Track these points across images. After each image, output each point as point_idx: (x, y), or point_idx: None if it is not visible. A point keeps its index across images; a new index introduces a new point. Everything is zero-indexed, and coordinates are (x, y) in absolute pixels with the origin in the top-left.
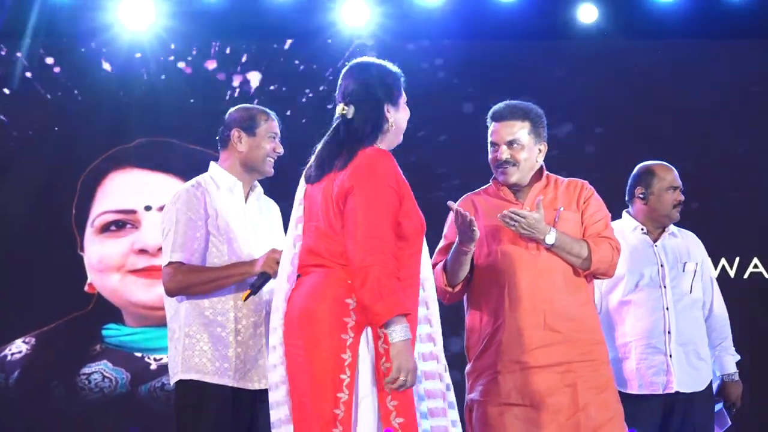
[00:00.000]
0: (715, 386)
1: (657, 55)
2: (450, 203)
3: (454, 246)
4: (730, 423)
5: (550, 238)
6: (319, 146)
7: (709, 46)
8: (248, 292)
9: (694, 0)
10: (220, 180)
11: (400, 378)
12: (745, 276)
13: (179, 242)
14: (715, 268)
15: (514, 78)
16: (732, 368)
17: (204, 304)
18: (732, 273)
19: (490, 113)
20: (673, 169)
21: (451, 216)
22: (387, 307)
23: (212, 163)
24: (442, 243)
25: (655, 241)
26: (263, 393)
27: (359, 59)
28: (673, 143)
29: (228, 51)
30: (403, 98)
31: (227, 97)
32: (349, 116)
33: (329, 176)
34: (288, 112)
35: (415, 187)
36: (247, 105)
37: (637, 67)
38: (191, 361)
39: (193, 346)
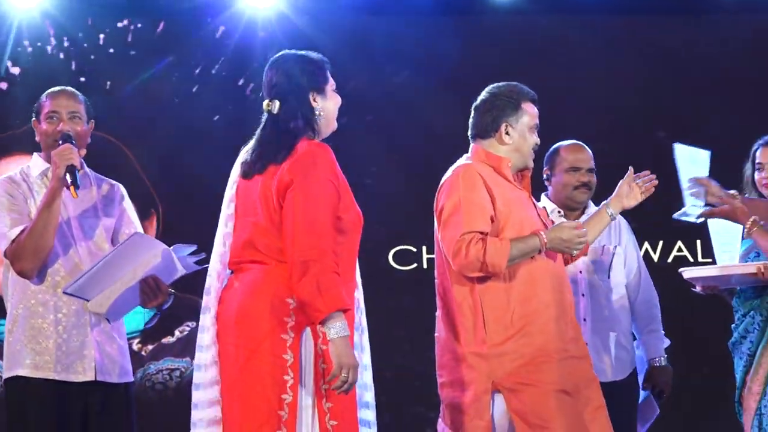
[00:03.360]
0: (642, 373)
1: (575, 31)
2: None
3: (532, 241)
4: (658, 411)
5: None
6: (252, 142)
7: (626, 21)
8: (72, 189)
9: None
10: (33, 168)
11: (341, 375)
12: (669, 260)
13: (11, 218)
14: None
15: (428, 55)
16: (658, 352)
17: (27, 293)
18: (656, 257)
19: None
20: (582, 148)
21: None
22: (325, 303)
23: (34, 154)
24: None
25: None
26: (95, 385)
27: (281, 52)
28: (592, 123)
29: (114, 30)
30: (331, 84)
31: (114, 79)
32: (275, 111)
33: (269, 170)
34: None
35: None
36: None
37: (554, 43)
38: (12, 358)
39: (14, 343)
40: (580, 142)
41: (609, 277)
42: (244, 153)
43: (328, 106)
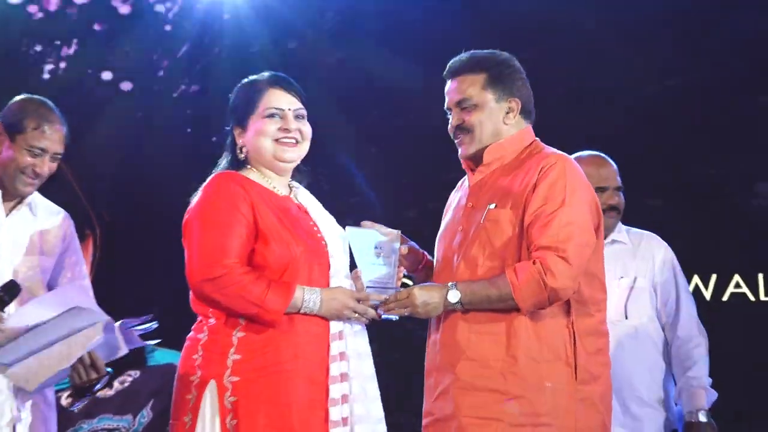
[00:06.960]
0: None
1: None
2: None
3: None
4: None
5: (454, 297)
6: None
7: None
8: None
9: None
10: None
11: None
12: (724, 298)
13: None
14: None
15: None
16: (697, 404)
17: None
18: (708, 294)
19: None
20: (607, 162)
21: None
22: (273, 306)
23: None
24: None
25: None
26: None
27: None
28: (604, 116)
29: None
30: (256, 112)
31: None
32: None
33: None
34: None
35: None
36: (34, 100)
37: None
38: None
39: None
40: (602, 154)
41: (626, 318)
42: None
43: (249, 139)
